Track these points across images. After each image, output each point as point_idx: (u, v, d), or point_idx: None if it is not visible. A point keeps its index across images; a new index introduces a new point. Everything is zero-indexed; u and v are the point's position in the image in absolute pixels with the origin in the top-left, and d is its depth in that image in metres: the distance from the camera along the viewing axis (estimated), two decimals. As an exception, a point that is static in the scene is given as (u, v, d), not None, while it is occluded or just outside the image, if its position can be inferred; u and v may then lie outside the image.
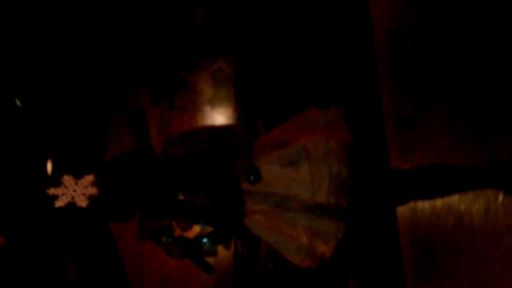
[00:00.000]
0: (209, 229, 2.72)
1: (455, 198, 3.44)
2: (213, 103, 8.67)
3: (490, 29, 2.88)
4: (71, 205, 2.91)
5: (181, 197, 2.43)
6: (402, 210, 4.79)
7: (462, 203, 3.32)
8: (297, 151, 2.36)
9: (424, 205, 4.18)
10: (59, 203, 2.99)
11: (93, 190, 2.83)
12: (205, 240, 2.70)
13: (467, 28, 3.24)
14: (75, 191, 3.09)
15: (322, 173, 2.31)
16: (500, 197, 2.77)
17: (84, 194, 2.87)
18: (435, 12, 3.90)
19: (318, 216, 2.34)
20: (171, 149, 2.50)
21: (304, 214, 2.35)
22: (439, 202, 3.79)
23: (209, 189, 2.41)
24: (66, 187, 3.59)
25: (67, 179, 3.81)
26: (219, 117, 8.61)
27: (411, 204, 4.47)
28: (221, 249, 8.10)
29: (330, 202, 2.30)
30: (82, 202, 2.72)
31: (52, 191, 3.41)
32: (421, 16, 4.22)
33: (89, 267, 6.29)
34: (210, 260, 8.05)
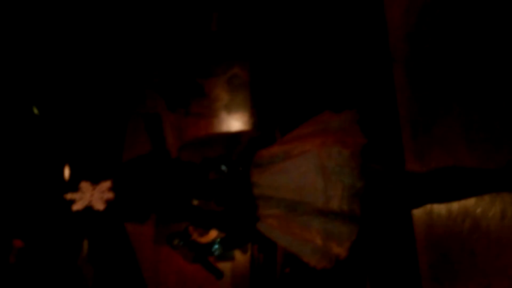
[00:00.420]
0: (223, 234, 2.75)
1: (471, 202, 3.44)
2: (229, 109, 8.69)
3: (507, 34, 2.88)
4: (88, 208, 2.94)
5: (195, 202, 2.45)
6: (418, 214, 4.78)
7: (479, 207, 3.32)
8: (310, 160, 2.36)
9: (440, 209, 4.17)
10: (76, 207, 3.03)
11: (110, 195, 2.86)
12: (216, 246, 2.73)
13: (484, 33, 3.24)
14: (92, 196, 3.13)
15: (335, 182, 2.32)
16: (517, 201, 2.77)
17: (101, 198, 2.90)
18: (452, 17, 3.90)
19: (331, 219, 2.35)
20: (185, 154, 2.53)
21: (317, 217, 2.35)
22: (455, 206, 3.78)
23: (222, 195, 2.43)
24: (83, 192, 3.61)
25: (84, 184, 3.84)
26: (236, 123, 8.63)
27: (427, 208, 4.46)
28: (237, 254, 8.10)
29: (344, 209, 2.31)
30: (99, 206, 2.75)
31: (69, 195, 3.45)
32: (438, 22, 4.22)
33: (107, 271, 6.32)
34: (227, 265, 8.06)
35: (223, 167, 2.43)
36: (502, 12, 3.02)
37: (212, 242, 2.66)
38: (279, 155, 2.46)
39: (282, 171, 2.40)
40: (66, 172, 6.17)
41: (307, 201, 2.34)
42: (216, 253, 2.68)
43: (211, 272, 2.62)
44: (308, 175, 2.35)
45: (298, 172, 2.36)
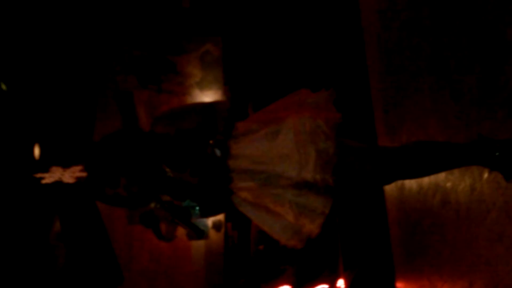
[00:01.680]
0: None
1: (441, 177, 3.47)
2: (202, 86, 8.65)
3: (476, 10, 2.89)
4: (58, 183, 2.92)
5: (169, 174, 2.43)
6: (390, 189, 4.82)
7: (449, 181, 3.35)
8: (284, 129, 2.36)
9: (411, 184, 4.21)
10: (45, 181, 3.01)
11: (81, 174, 2.82)
12: (195, 208, 2.70)
13: (454, 9, 3.25)
14: (62, 175, 3.10)
15: (308, 150, 2.32)
16: (485, 175, 2.80)
17: (71, 176, 2.88)
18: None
19: (305, 192, 2.35)
20: (158, 127, 2.51)
21: (290, 190, 2.35)
22: (426, 180, 3.82)
23: (196, 166, 2.41)
24: (53, 172, 3.58)
25: (55, 168, 3.80)
26: (208, 100, 8.58)
27: (399, 183, 4.50)
28: (212, 232, 8.13)
29: (317, 179, 2.31)
30: (69, 180, 2.73)
31: (39, 175, 3.41)
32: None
33: (79, 249, 6.28)
34: (201, 243, 8.08)
35: (218, 152, 2.43)
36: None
37: (191, 205, 2.63)
38: (254, 127, 2.46)
39: (257, 142, 2.39)
40: (36, 150, 6.09)
41: (281, 172, 2.34)
42: (194, 216, 2.65)
43: (193, 229, 2.58)
44: (282, 145, 2.35)
45: (273, 142, 2.36)
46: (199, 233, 2.69)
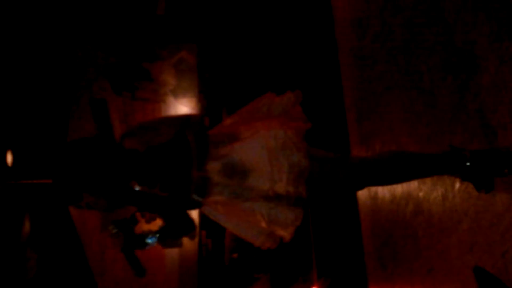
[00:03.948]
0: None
1: (414, 186, 3.50)
2: (176, 93, 8.61)
3: (448, 21, 2.93)
4: (31, 184, 2.88)
5: (137, 187, 2.40)
6: (363, 198, 4.85)
7: (421, 190, 3.38)
8: (256, 143, 2.35)
9: (384, 193, 4.24)
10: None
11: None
12: (151, 238, 2.67)
13: (426, 21, 3.28)
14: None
15: (281, 163, 2.31)
16: (457, 184, 2.83)
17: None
18: (395, 5, 3.95)
19: (276, 205, 2.34)
20: (127, 142, 2.45)
21: (262, 203, 2.35)
22: (399, 190, 3.85)
23: (166, 181, 2.38)
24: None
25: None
26: (183, 107, 8.55)
27: (372, 193, 4.53)
28: (186, 240, 8.08)
29: (290, 191, 2.31)
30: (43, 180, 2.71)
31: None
32: (382, 9, 4.26)
33: (51, 258, 6.20)
34: (175, 251, 8.04)
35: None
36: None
37: (147, 234, 2.58)
38: (224, 140, 2.44)
39: (227, 154, 2.37)
40: (9, 157, 6.02)
41: (252, 185, 2.33)
42: (149, 245, 2.60)
43: (133, 267, 2.52)
44: (254, 158, 2.33)
45: (244, 156, 2.35)
46: (139, 272, 2.64)
